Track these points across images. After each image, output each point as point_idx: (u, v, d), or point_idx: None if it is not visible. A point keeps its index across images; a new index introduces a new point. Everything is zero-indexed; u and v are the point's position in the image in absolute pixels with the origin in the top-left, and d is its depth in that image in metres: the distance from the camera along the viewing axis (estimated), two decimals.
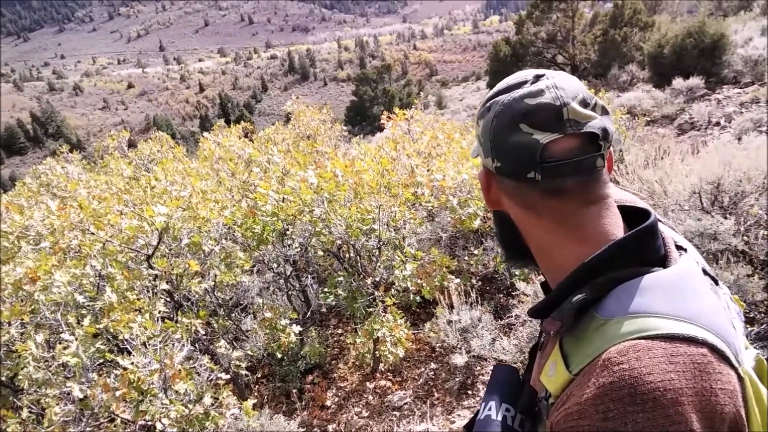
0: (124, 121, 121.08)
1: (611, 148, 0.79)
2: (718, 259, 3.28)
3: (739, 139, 5.12)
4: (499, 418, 0.88)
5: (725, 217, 3.52)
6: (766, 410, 0.66)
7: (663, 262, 0.73)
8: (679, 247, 0.79)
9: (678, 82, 11.71)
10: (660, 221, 0.85)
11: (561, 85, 0.73)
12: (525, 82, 0.75)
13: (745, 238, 3.55)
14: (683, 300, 0.66)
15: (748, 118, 8.29)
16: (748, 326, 3.30)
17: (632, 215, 0.80)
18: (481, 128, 0.80)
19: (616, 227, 0.75)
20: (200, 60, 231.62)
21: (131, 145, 12.17)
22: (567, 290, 0.72)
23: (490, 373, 1.01)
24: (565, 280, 0.73)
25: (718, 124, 9.09)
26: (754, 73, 11.36)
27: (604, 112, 0.75)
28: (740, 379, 0.64)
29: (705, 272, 0.76)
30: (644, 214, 0.79)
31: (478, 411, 0.94)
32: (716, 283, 0.77)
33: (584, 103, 0.73)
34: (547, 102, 0.71)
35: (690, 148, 4.84)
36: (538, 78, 0.75)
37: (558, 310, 0.73)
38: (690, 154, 4.49)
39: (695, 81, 11.51)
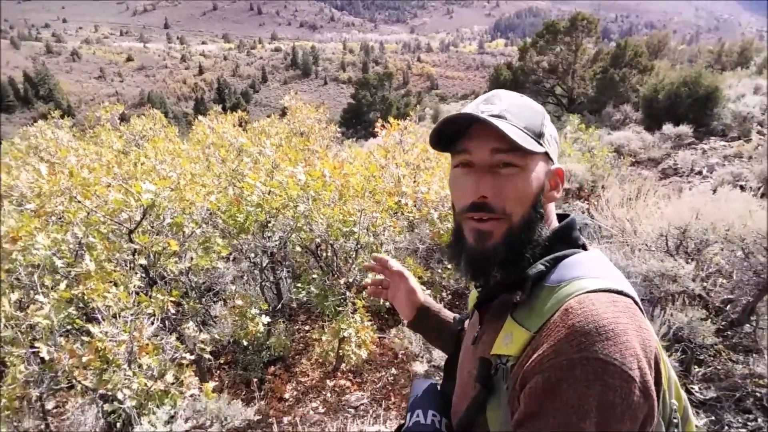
0: (118, 93, 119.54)
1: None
2: (674, 300, 3.44)
3: (714, 190, 5.31)
4: (428, 422, 1.00)
5: (687, 262, 3.68)
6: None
7: (585, 247, 0.96)
8: None
9: (668, 128, 12.06)
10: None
11: None
12: None
13: (704, 283, 3.72)
14: (606, 269, 0.89)
15: (728, 171, 8.57)
16: (696, 367, 3.46)
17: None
18: (554, 132, 0.99)
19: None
20: (203, 43, 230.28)
21: (123, 119, 12.08)
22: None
23: (411, 387, 1.14)
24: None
25: (700, 173, 9.38)
26: (742, 129, 11.72)
27: None
28: None
29: None
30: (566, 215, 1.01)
31: (403, 422, 1.06)
32: None
33: None
34: None
35: (667, 193, 5.02)
36: None
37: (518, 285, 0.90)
38: (665, 198, 4.67)
39: (685, 128, 11.87)
